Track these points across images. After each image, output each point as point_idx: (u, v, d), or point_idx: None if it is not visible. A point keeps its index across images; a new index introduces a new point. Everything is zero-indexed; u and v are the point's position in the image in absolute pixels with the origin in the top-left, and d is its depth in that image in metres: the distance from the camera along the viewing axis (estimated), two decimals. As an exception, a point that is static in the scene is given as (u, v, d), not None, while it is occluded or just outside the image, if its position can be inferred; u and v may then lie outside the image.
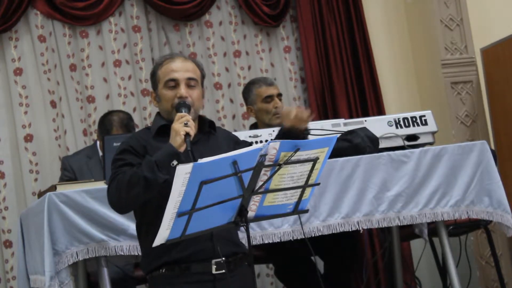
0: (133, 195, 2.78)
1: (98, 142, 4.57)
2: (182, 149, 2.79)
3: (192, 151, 2.80)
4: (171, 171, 2.68)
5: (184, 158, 2.78)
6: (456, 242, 4.47)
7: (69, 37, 5.07)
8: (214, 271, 2.85)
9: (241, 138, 3.31)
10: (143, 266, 3.00)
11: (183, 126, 2.80)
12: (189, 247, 2.84)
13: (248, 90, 4.60)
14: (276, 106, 4.47)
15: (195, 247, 2.84)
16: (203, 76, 3.07)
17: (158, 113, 3.08)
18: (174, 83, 2.98)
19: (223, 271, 2.85)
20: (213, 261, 2.85)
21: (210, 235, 2.84)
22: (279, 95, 4.54)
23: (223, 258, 2.86)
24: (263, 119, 4.51)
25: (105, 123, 4.49)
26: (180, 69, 2.99)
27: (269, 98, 4.49)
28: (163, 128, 2.98)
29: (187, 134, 2.79)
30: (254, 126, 4.62)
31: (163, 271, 2.88)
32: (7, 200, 4.85)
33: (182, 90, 2.95)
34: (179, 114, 2.86)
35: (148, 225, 2.89)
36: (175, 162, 2.75)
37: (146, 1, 5.22)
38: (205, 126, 3.05)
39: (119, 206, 2.87)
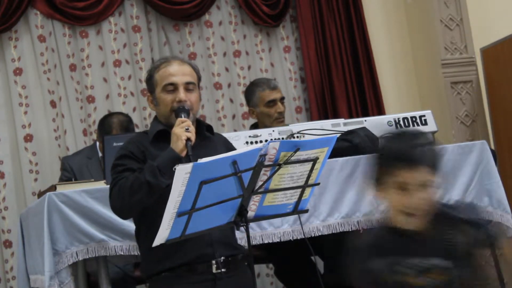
0: (136, 201, 2.78)
1: (97, 143, 4.57)
2: (183, 154, 2.79)
3: (192, 153, 2.79)
4: (173, 176, 2.69)
5: (185, 162, 2.78)
6: (456, 242, 4.46)
7: (69, 37, 5.07)
8: (214, 270, 2.86)
9: (241, 138, 3.31)
10: (142, 270, 3.00)
11: (184, 131, 2.80)
12: (189, 253, 2.84)
13: (251, 92, 4.58)
14: (279, 111, 4.47)
15: (195, 253, 2.85)
16: (199, 79, 3.07)
17: (155, 117, 3.08)
18: (172, 87, 2.97)
19: (223, 270, 2.86)
20: (213, 261, 2.85)
21: (210, 241, 2.84)
22: (282, 99, 4.53)
23: (223, 258, 2.87)
24: (265, 122, 4.50)
25: (105, 126, 4.48)
26: (178, 73, 2.98)
27: (272, 103, 4.48)
28: (160, 133, 2.97)
29: (188, 139, 2.79)
30: (254, 126, 4.61)
31: (164, 274, 2.88)
32: (7, 200, 4.85)
33: (181, 94, 2.95)
34: (179, 119, 2.86)
35: (147, 229, 2.89)
36: (177, 167, 2.75)
37: (146, 1, 5.22)
38: (203, 129, 3.04)
39: (122, 211, 2.87)
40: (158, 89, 3.00)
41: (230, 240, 2.95)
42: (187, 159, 2.78)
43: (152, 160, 2.84)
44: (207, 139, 3.05)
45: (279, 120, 4.47)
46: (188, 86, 2.98)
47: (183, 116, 2.89)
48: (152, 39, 5.23)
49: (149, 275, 2.94)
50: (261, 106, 4.50)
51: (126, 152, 2.93)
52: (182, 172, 2.42)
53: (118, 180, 2.84)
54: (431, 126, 4.00)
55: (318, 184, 2.75)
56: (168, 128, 2.93)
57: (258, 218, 2.74)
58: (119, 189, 2.81)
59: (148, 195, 2.76)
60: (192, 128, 2.83)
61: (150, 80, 3.05)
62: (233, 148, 3.15)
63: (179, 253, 2.83)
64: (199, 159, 2.46)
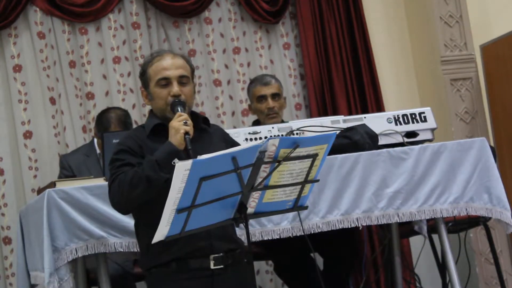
0: (136, 195, 2.79)
1: (95, 140, 4.57)
2: (181, 147, 2.80)
3: (191, 150, 2.80)
4: (173, 170, 2.69)
5: (184, 156, 2.79)
6: (456, 239, 4.47)
7: (68, 34, 5.07)
8: (212, 266, 2.86)
9: (241, 135, 3.31)
10: (141, 264, 3.01)
11: (182, 125, 2.81)
12: (187, 246, 2.84)
13: (248, 89, 4.67)
14: (268, 107, 4.48)
15: (193, 245, 2.85)
16: (192, 71, 3.08)
17: (151, 111, 3.08)
18: (166, 82, 2.98)
19: (221, 266, 2.86)
20: (212, 256, 2.86)
21: (207, 233, 2.84)
22: (274, 95, 4.52)
23: (222, 254, 2.87)
24: (259, 118, 4.55)
25: (102, 121, 4.48)
26: (171, 66, 3.00)
27: (262, 98, 4.51)
28: (157, 127, 2.98)
29: (186, 133, 2.80)
30: (256, 123, 4.63)
31: (162, 268, 2.88)
32: (6, 197, 4.85)
33: (175, 88, 2.96)
34: (178, 113, 2.87)
35: (146, 224, 2.90)
36: (176, 161, 2.75)
37: (145, -2, 5.23)
38: (199, 122, 3.05)
39: (121, 206, 2.88)
40: (152, 84, 3.02)
41: (228, 233, 2.95)
42: (186, 153, 2.79)
43: (150, 154, 2.85)
44: (204, 132, 3.06)
45: (270, 116, 4.48)
46: (181, 80, 2.99)
47: (179, 109, 2.91)
48: (152, 36, 5.23)
49: (147, 269, 2.94)
50: (254, 102, 4.56)
51: (124, 147, 2.94)
52: (182, 169, 2.43)
53: (117, 175, 2.85)
54: (430, 123, 4.00)
55: (318, 181, 2.76)
56: (164, 122, 2.94)
57: (257, 214, 2.74)
58: (119, 184, 2.82)
59: (147, 190, 2.77)
60: (190, 122, 2.85)
61: (143, 75, 3.07)
62: (230, 139, 3.15)
63: (177, 246, 2.82)
64: (198, 156, 2.46)
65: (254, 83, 4.59)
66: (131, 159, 2.89)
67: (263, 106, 4.50)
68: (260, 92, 4.52)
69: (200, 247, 2.85)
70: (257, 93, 4.52)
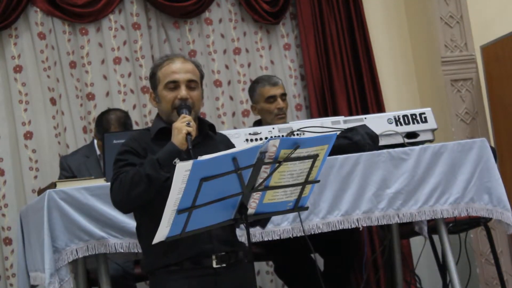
0: (136, 194, 2.80)
1: (95, 141, 4.57)
2: (183, 147, 2.82)
3: (193, 150, 2.82)
4: (173, 169, 2.70)
5: (185, 156, 2.80)
6: (456, 240, 4.47)
7: (68, 34, 5.07)
8: (214, 265, 2.87)
9: (241, 136, 3.31)
10: (144, 266, 3.01)
11: (185, 126, 2.83)
12: (190, 249, 2.85)
13: (252, 89, 4.61)
14: (278, 107, 4.47)
15: (196, 248, 2.85)
16: (202, 76, 3.10)
17: (158, 115, 3.10)
18: (174, 85, 3.00)
19: (224, 265, 2.87)
20: (214, 255, 2.87)
21: (208, 238, 2.85)
22: (283, 95, 4.53)
23: (223, 253, 2.88)
24: (266, 118, 4.52)
25: (103, 122, 4.48)
26: (181, 70, 3.01)
27: (271, 99, 4.49)
28: (162, 131, 3.00)
29: (188, 134, 2.82)
30: (258, 123, 4.62)
31: (165, 269, 2.89)
32: (6, 197, 4.85)
33: (183, 91, 2.98)
34: (182, 115, 2.89)
35: (147, 226, 2.90)
36: (177, 160, 2.77)
37: (145, -2, 5.23)
38: (205, 128, 3.07)
39: (122, 205, 2.89)
40: (160, 87, 3.03)
41: (229, 237, 2.96)
42: (187, 153, 2.81)
43: None
44: (209, 138, 3.07)
45: (280, 116, 4.47)
46: (190, 84, 3.01)
47: (184, 112, 2.93)
48: (152, 36, 5.23)
49: (150, 270, 2.95)
50: (261, 102, 4.52)
51: (127, 148, 2.97)
52: (182, 170, 2.43)
53: (119, 174, 2.88)
54: (431, 124, 4.00)
55: (318, 181, 2.76)
56: (169, 125, 2.95)
57: (258, 215, 2.74)
58: (120, 183, 2.84)
59: (148, 188, 2.78)
60: (193, 124, 2.86)
61: (153, 77, 3.08)
62: (230, 146, 3.16)
63: (180, 248, 2.84)
64: (199, 157, 2.47)
65: (262, 83, 4.55)
66: (134, 159, 2.91)
67: (272, 106, 4.48)
68: (270, 93, 4.49)
69: (202, 249, 2.86)
70: (267, 93, 4.50)
